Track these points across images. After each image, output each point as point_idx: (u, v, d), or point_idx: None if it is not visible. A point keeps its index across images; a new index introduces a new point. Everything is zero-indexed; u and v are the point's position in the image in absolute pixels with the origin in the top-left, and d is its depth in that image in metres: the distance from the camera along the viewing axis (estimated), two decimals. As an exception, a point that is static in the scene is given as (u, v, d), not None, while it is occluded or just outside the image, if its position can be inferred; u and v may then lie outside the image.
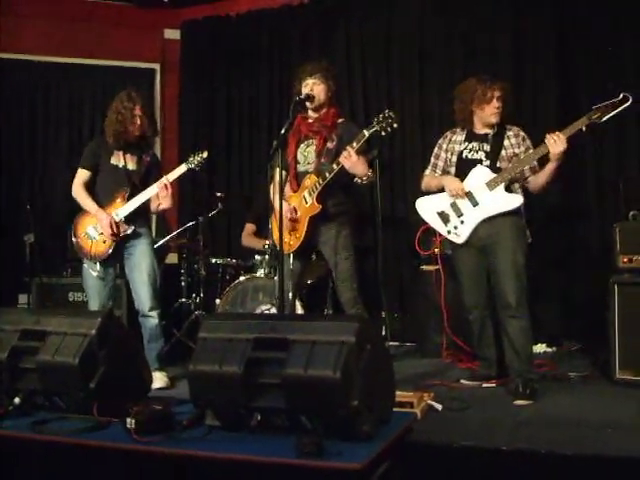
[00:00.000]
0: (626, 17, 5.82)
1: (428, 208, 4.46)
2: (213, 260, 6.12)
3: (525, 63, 6.20)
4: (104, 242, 4.64)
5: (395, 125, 4.10)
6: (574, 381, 4.54)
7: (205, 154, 4.73)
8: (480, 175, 4.23)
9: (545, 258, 5.77)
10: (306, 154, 4.42)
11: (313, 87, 4.32)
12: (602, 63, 5.86)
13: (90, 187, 4.76)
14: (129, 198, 4.65)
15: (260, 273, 5.60)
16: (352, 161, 4.10)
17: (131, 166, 4.74)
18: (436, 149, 4.52)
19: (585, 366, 4.92)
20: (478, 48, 6.34)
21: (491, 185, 4.18)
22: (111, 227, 4.58)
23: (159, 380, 4.52)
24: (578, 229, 5.99)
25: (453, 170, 4.37)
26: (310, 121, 4.42)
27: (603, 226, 5.64)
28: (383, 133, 4.12)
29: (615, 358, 4.32)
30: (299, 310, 5.18)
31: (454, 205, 4.31)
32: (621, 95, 4.00)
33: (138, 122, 4.68)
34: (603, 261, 4.99)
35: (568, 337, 5.79)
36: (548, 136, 4.01)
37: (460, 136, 4.40)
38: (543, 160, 4.13)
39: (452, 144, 4.41)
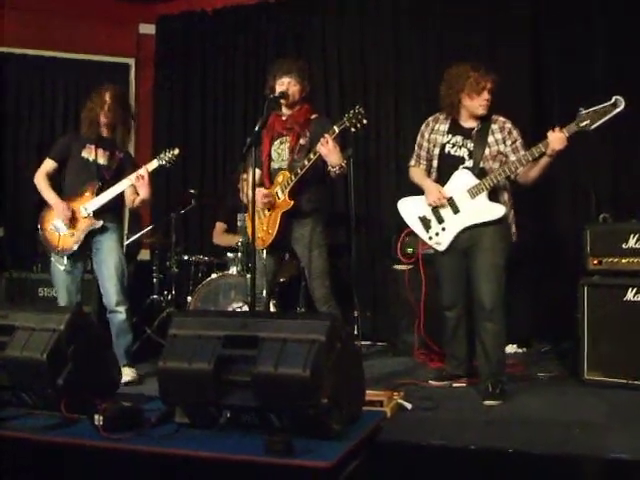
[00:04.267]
0: (600, 17, 5.88)
1: (410, 211, 4.40)
2: (185, 257, 6.09)
3: (499, 62, 6.21)
4: (72, 235, 4.61)
5: (365, 121, 4.08)
6: (543, 381, 4.58)
7: (177, 151, 4.70)
8: (462, 180, 4.15)
9: (516, 259, 5.80)
10: (280, 151, 4.41)
11: (289, 86, 4.31)
12: (575, 64, 5.91)
13: (54, 178, 4.75)
14: (98, 192, 4.62)
15: (233, 271, 5.58)
16: (329, 148, 4.07)
17: (102, 160, 4.71)
18: (419, 138, 4.42)
19: (554, 367, 4.98)
20: (452, 46, 6.36)
21: (473, 193, 4.10)
22: (68, 216, 4.57)
23: (127, 375, 4.50)
24: (550, 231, 6.04)
25: (435, 163, 4.29)
26: (283, 118, 4.41)
27: (574, 228, 5.69)
28: (353, 129, 4.11)
29: (584, 359, 4.37)
30: (272, 309, 5.17)
31: (435, 210, 4.26)
32: (613, 99, 3.81)
33: (106, 108, 4.65)
34: (574, 263, 5.04)
35: (538, 338, 5.84)
36: (551, 132, 3.87)
37: (443, 125, 4.31)
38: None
39: (435, 134, 4.32)
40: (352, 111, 4.08)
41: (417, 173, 4.44)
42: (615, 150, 5.83)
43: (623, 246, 4.35)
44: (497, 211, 4.13)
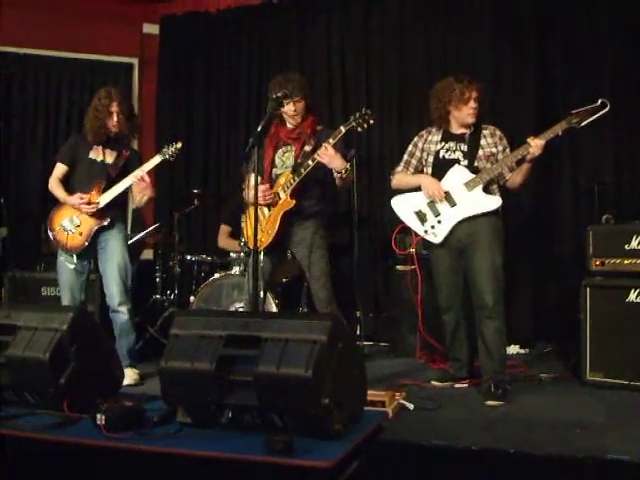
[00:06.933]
0: (604, 20, 5.89)
1: (405, 207, 4.43)
2: (188, 257, 6.10)
3: (504, 64, 6.24)
4: (80, 234, 4.64)
5: (372, 122, 4.13)
6: (545, 382, 4.56)
7: (179, 145, 4.75)
8: (458, 175, 4.22)
9: (519, 260, 5.81)
10: (284, 159, 4.42)
11: (296, 105, 4.33)
12: (580, 65, 5.93)
13: (67, 181, 4.77)
14: (104, 190, 4.65)
15: (235, 271, 5.58)
16: (329, 155, 4.10)
17: (109, 160, 4.75)
18: (411, 147, 4.49)
19: (556, 367, 4.96)
20: (458, 47, 6.38)
21: (470, 185, 4.17)
22: (83, 202, 4.59)
23: (129, 377, 4.51)
24: (553, 232, 6.04)
25: (429, 170, 4.34)
26: (290, 127, 4.43)
27: (577, 229, 5.69)
28: (360, 129, 4.16)
29: (586, 360, 4.36)
30: (273, 309, 5.18)
31: (431, 204, 4.29)
32: (599, 101, 4.05)
33: (115, 119, 4.68)
34: (576, 264, 5.04)
35: (541, 339, 5.84)
36: (529, 140, 4.04)
37: (436, 136, 4.38)
38: (519, 160, 4.16)
39: (428, 144, 4.39)
40: (359, 112, 4.14)
41: (406, 175, 4.48)
42: (618, 151, 5.84)
43: (626, 247, 4.34)
44: (494, 202, 4.22)
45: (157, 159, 4.73)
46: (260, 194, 4.19)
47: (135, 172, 4.63)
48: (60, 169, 4.78)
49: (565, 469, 2.89)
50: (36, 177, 6.89)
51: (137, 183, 4.62)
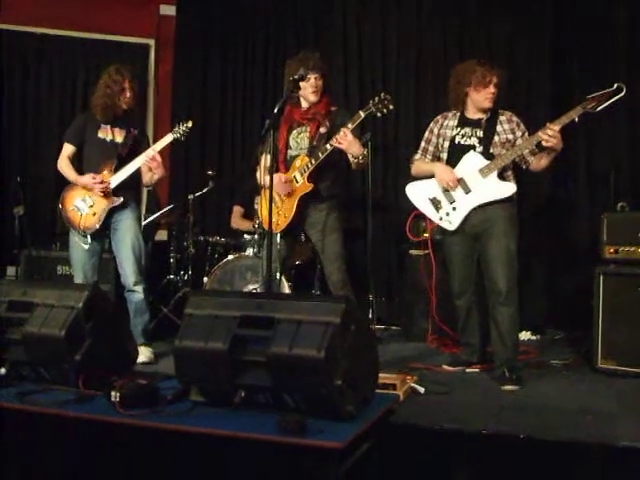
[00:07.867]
0: (620, 8, 5.85)
1: (419, 194, 4.44)
2: (202, 238, 6.13)
3: (520, 51, 6.21)
4: (94, 214, 4.66)
5: (391, 107, 4.16)
6: (556, 369, 4.58)
7: (190, 123, 4.77)
8: (473, 162, 4.21)
9: (532, 247, 5.80)
10: (299, 140, 4.42)
11: (317, 82, 4.33)
12: (596, 51, 5.90)
13: (76, 160, 4.80)
14: (116, 170, 4.67)
15: (249, 252, 5.60)
16: (348, 140, 4.11)
17: (119, 139, 4.76)
18: (427, 133, 4.49)
19: (568, 354, 4.97)
20: (475, 33, 6.36)
21: (484, 172, 4.16)
22: (96, 182, 4.61)
23: (143, 355, 4.55)
24: (567, 219, 6.03)
25: (445, 155, 4.34)
26: (304, 107, 4.43)
27: (592, 217, 5.68)
28: (379, 114, 4.19)
29: (598, 347, 4.36)
30: (286, 290, 5.20)
31: (446, 192, 4.29)
32: (615, 85, 4.01)
33: (128, 95, 4.71)
34: (590, 251, 5.03)
35: (553, 325, 5.84)
36: (540, 133, 4.01)
37: (452, 121, 4.37)
38: (538, 144, 4.13)
39: (444, 129, 4.38)
40: (378, 97, 4.15)
41: (423, 162, 4.49)
42: (634, 139, 5.80)
43: (640, 235, 4.34)
44: (508, 188, 4.21)
45: (169, 138, 4.76)
46: (277, 183, 4.17)
47: (147, 151, 4.66)
48: (68, 150, 4.80)
49: (575, 455, 2.91)
50: (52, 157, 6.89)
51: (148, 162, 4.64)
